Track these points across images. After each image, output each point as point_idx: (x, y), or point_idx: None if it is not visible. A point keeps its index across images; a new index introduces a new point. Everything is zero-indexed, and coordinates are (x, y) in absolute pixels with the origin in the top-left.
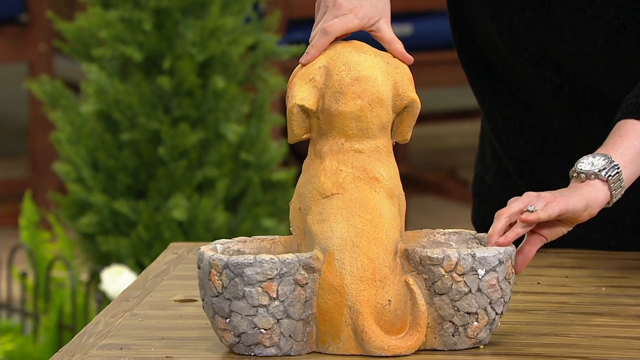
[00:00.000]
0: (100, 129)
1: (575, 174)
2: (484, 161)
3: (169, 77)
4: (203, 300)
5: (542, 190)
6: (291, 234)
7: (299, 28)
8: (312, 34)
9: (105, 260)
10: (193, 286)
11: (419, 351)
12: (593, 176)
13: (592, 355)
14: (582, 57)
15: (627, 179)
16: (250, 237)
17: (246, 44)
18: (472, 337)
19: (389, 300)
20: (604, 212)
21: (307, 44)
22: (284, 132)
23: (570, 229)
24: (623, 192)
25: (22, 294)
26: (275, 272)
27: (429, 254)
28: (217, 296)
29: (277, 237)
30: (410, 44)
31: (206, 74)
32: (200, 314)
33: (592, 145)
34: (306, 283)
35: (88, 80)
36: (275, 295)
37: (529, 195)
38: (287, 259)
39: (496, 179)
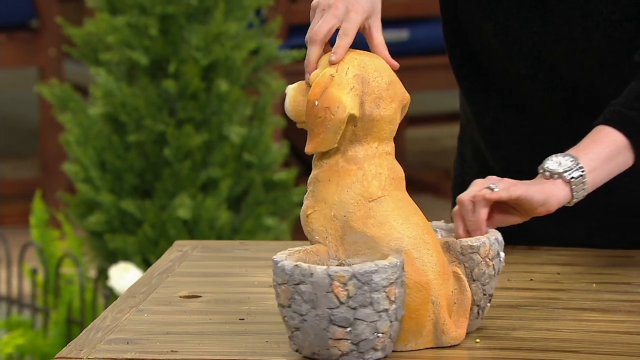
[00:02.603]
0: (108, 131)
1: (541, 170)
2: (464, 162)
3: (174, 80)
4: (304, 315)
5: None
6: (292, 236)
7: (299, 33)
8: (309, 35)
9: (113, 257)
10: (197, 282)
11: (411, 351)
12: (557, 175)
13: (583, 349)
14: (577, 55)
15: (591, 183)
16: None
17: (249, 49)
18: (482, 319)
19: (452, 292)
20: (588, 211)
21: (307, 48)
22: (285, 133)
23: (522, 221)
24: (585, 194)
25: (33, 290)
26: (395, 277)
27: (469, 242)
28: (338, 307)
29: (307, 247)
30: (406, 49)
31: (210, 77)
32: (204, 309)
33: None
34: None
35: (96, 84)
36: (393, 299)
37: (490, 178)
38: (397, 262)
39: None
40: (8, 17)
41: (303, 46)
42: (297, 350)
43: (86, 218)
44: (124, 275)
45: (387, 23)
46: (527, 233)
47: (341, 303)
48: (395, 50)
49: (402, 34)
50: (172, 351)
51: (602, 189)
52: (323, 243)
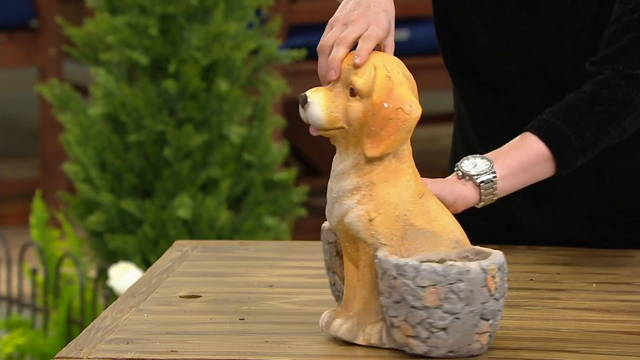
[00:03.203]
0: (108, 131)
1: (456, 169)
2: (457, 159)
3: (174, 80)
4: (458, 313)
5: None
6: (292, 236)
7: (299, 33)
8: (324, 45)
9: (113, 257)
10: (197, 282)
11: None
12: (468, 177)
13: (583, 349)
14: (565, 55)
15: (502, 189)
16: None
17: (249, 49)
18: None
19: None
20: (582, 208)
21: (307, 48)
22: (285, 133)
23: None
24: (495, 199)
25: (33, 289)
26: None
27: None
28: (488, 301)
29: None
30: (406, 49)
31: (210, 77)
32: (204, 309)
33: None
34: None
35: (96, 84)
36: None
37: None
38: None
39: None
40: (8, 17)
41: (303, 46)
42: (422, 355)
43: (86, 218)
44: (124, 275)
45: None
46: (525, 233)
47: (490, 296)
48: (395, 50)
49: (402, 34)
50: (172, 351)
51: (603, 186)
52: (388, 245)
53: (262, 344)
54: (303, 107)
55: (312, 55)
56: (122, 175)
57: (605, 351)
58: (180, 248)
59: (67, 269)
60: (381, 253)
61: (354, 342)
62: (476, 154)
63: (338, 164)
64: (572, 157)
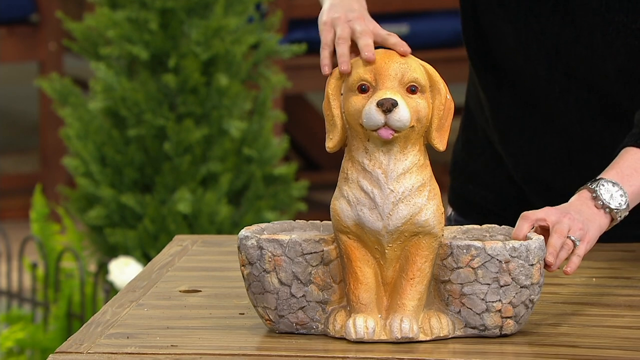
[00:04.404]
0: (108, 125)
1: (593, 195)
2: (468, 145)
3: (174, 75)
4: (541, 287)
5: (535, 185)
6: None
7: (299, 28)
8: (326, 51)
9: (113, 251)
10: (197, 277)
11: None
12: (608, 209)
13: (582, 344)
14: (595, 60)
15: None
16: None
17: (249, 43)
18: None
19: None
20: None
21: (307, 43)
22: (285, 128)
23: None
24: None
25: (33, 284)
26: None
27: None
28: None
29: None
30: (407, 43)
31: (210, 72)
32: (204, 304)
33: (589, 148)
34: None
35: (96, 78)
36: None
37: (569, 217)
38: None
39: (488, 165)
40: (8, 11)
41: (303, 41)
42: (508, 334)
43: (86, 212)
44: (124, 270)
45: (387, 17)
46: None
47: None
48: None
49: (402, 28)
50: (172, 345)
51: None
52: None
53: (262, 339)
54: (390, 110)
55: (312, 50)
56: (122, 169)
57: (605, 345)
58: (180, 242)
59: (67, 264)
60: (479, 244)
61: (381, 340)
62: (493, 149)
63: (395, 165)
64: None
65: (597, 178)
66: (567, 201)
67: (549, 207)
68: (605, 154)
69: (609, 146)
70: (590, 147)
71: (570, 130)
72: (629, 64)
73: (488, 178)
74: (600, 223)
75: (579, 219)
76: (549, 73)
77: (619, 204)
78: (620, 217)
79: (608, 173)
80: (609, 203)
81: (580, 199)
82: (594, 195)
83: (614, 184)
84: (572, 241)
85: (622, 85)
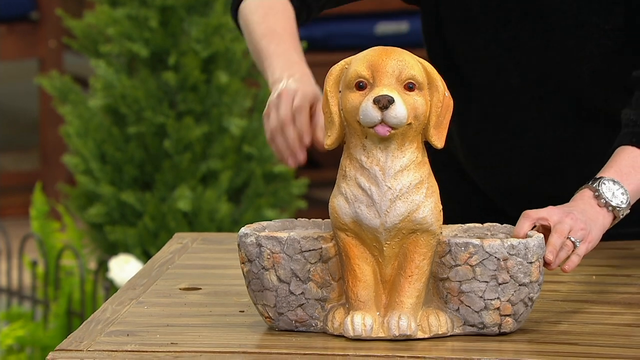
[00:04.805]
0: (108, 123)
1: (595, 193)
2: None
3: (174, 72)
4: (541, 285)
5: (507, 195)
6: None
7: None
8: (274, 130)
9: (113, 249)
10: (197, 275)
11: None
12: (611, 208)
13: (582, 341)
14: (568, 64)
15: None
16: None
17: None
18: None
19: None
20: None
21: (307, 41)
22: None
23: None
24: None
25: (33, 281)
26: None
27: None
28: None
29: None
30: (406, 41)
31: (210, 69)
32: (204, 301)
33: (562, 155)
34: None
35: (96, 76)
36: None
37: (571, 217)
38: None
39: (453, 179)
40: (8, 9)
41: (303, 39)
42: (507, 332)
43: (86, 210)
44: (124, 267)
45: (387, 15)
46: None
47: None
48: (395, 42)
49: (401, 26)
50: (172, 343)
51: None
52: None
53: (262, 336)
54: (387, 107)
55: (312, 48)
56: (122, 167)
57: (604, 343)
58: (180, 240)
59: (67, 261)
60: (477, 241)
61: (379, 338)
62: (458, 163)
63: (393, 163)
64: None
65: (597, 177)
66: (540, 208)
67: (552, 207)
68: (578, 159)
69: (582, 151)
70: (562, 154)
71: (542, 139)
72: (602, 65)
73: (453, 189)
74: (603, 222)
75: (581, 219)
76: (521, 81)
77: (621, 201)
78: (622, 215)
79: (607, 172)
80: (611, 201)
81: (582, 198)
82: (597, 194)
83: (614, 182)
84: (572, 242)
85: (596, 87)
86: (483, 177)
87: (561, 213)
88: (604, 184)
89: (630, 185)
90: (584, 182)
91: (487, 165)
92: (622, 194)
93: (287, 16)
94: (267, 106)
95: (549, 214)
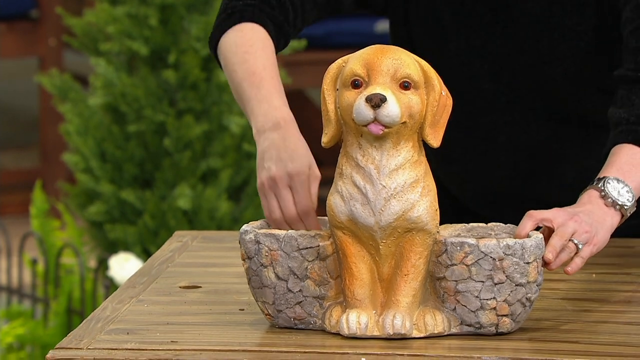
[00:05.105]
0: (108, 121)
1: (602, 193)
2: None
3: (174, 70)
4: (540, 285)
5: (480, 198)
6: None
7: None
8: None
9: (113, 247)
10: (197, 273)
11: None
12: (618, 206)
13: (582, 339)
14: (541, 66)
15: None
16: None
17: None
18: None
19: None
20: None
21: (307, 39)
22: None
23: None
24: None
25: (33, 280)
26: None
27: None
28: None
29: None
30: None
31: (210, 67)
32: (204, 300)
33: (535, 156)
34: None
35: (96, 74)
36: None
37: (575, 219)
38: None
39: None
40: (8, 7)
41: (303, 37)
42: (506, 332)
43: (86, 208)
44: (124, 266)
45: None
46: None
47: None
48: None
49: None
50: (172, 341)
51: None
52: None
53: (262, 335)
54: (379, 106)
55: (312, 46)
56: (122, 165)
57: (604, 341)
58: (180, 238)
59: (67, 259)
60: (472, 241)
61: (374, 336)
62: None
63: (387, 161)
64: None
65: (601, 177)
66: (516, 211)
67: (558, 209)
68: (551, 160)
69: (555, 152)
70: (535, 156)
71: (515, 143)
72: (575, 66)
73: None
74: (612, 222)
75: (587, 221)
76: (493, 86)
77: (627, 199)
78: (629, 213)
79: (609, 171)
80: (618, 200)
81: (590, 199)
82: (603, 193)
83: (618, 180)
84: (575, 244)
85: (568, 89)
86: (456, 183)
87: (566, 215)
88: (609, 183)
89: (632, 182)
90: (557, 183)
91: (460, 170)
92: (627, 192)
93: (267, 53)
94: (261, 182)
95: (554, 215)
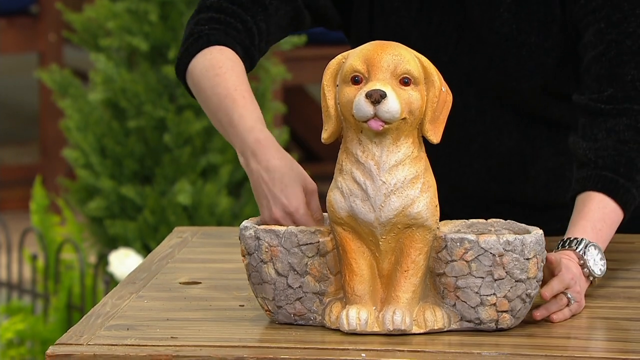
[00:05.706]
0: (108, 117)
1: (581, 262)
2: None
3: (174, 66)
4: (540, 281)
5: (455, 202)
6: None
7: None
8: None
9: (113, 243)
10: (197, 269)
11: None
12: (592, 277)
13: (582, 336)
14: (509, 82)
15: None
16: None
17: None
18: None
19: None
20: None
21: (307, 35)
22: (285, 119)
23: None
24: None
25: (33, 275)
26: None
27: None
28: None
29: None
30: None
31: None
32: (204, 296)
33: (508, 160)
34: None
35: (96, 70)
36: None
37: (573, 277)
38: None
39: None
40: (8, 2)
41: (304, 32)
42: (505, 328)
43: (86, 204)
44: (124, 261)
45: None
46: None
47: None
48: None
49: None
50: (172, 337)
51: None
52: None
53: (261, 330)
54: (379, 102)
55: (312, 42)
56: (122, 161)
57: (604, 338)
58: (180, 234)
59: (67, 255)
60: (472, 237)
61: (374, 332)
62: None
63: (387, 157)
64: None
65: (580, 239)
66: (487, 214)
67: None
68: (524, 162)
69: (527, 154)
70: (509, 160)
71: (488, 149)
72: (543, 80)
73: None
74: (585, 287)
75: (579, 283)
76: (463, 99)
77: (600, 270)
78: (595, 283)
79: (585, 231)
80: (593, 271)
81: (572, 261)
82: (582, 262)
83: (595, 246)
84: (568, 299)
85: (537, 99)
86: (439, 188)
87: (570, 275)
88: (589, 250)
89: (604, 243)
90: (531, 184)
91: (439, 171)
92: (601, 259)
93: (237, 72)
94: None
95: (557, 260)
